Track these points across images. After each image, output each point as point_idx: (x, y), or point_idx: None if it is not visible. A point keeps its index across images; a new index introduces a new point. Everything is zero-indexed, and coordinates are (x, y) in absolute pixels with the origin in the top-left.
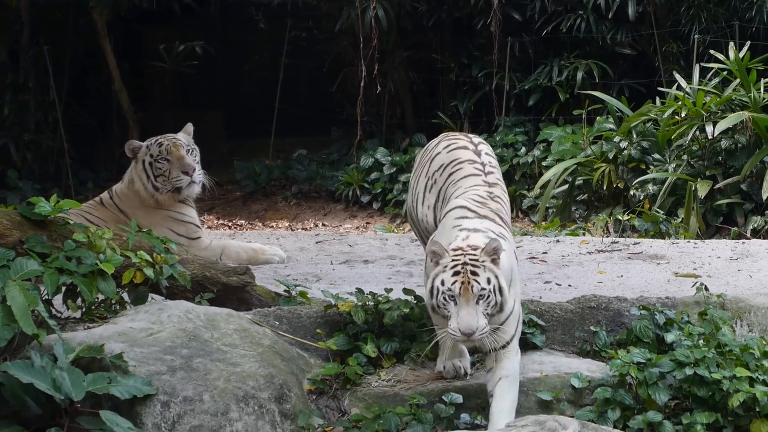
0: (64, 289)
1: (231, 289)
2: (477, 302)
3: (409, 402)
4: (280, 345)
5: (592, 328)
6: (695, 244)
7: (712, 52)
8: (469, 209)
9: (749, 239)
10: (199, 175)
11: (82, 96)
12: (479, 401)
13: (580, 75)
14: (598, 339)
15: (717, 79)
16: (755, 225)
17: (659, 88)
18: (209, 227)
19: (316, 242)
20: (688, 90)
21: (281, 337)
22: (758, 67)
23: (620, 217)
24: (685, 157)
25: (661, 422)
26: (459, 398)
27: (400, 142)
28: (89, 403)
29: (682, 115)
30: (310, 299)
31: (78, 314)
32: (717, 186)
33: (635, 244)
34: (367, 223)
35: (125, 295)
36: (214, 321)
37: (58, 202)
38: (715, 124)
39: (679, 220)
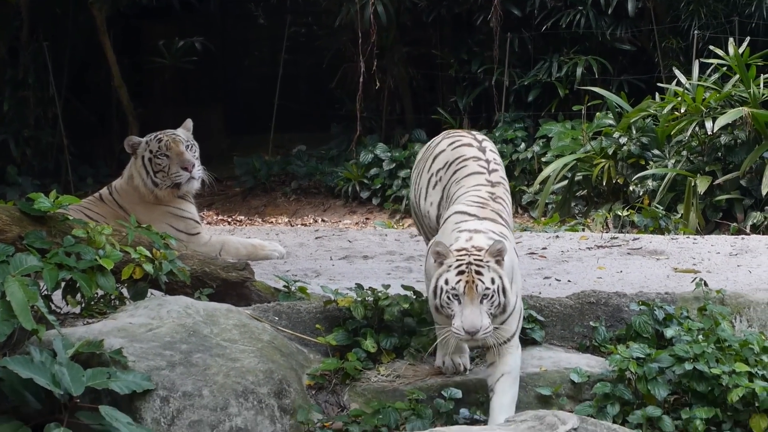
0: (63, 284)
1: (230, 285)
2: (481, 302)
3: (409, 397)
4: (280, 340)
5: (591, 323)
6: (695, 239)
7: (711, 47)
8: (469, 213)
9: (749, 235)
10: (198, 170)
11: (82, 92)
12: (478, 396)
13: (579, 71)
14: (597, 334)
15: (716, 75)
16: (755, 221)
17: (659, 84)
18: (209, 223)
19: (316, 238)
20: (687, 86)
21: (280, 333)
22: (758, 62)
23: (620, 213)
24: (684, 152)
25: (661, 417)
26: (458, 393)
27: (400, 138)
28: (89, 399)
29: (682, 110)
30: (310, 295)
31: (77, 310)
32: (716, 182)
33: (635, 239)
34: (367, 218)
35: (124, 291)
36: (213, 316)
37: (58, 198)
38: (714, 119)
39: (679, 215)
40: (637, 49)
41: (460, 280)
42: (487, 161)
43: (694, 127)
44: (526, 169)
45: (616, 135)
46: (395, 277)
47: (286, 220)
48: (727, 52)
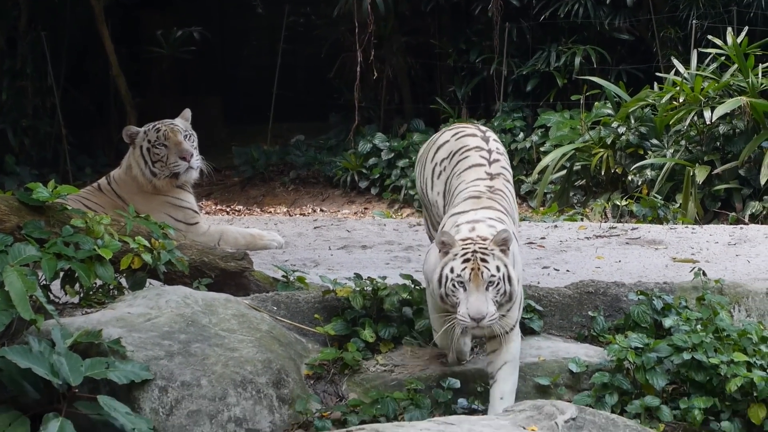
0: (62, 274)
1: (229, 275)
2: (486, 289)
3: (407, 387)
4: (278, 330)
5: (590, 313)
6: (693, 229)
7: (710, 37)
8: (465, 211)
9: (747, 224)
10: (196, 160)
11: (80, 81)
12: (477, 386)
13: (578, 60)
14: (595, 324)
15: (715, 65)
16: (753, 210)
17: (657, 74)
18: (207, 213)
19: (314, 228)
20: (686, 75)
21: (279, 323)
22: (756, 52)
23: (618, 203)
24: (683, 142)
25: (659, 407)
26: (457, 383)
27: (398, 128)
28: (87, 388)
29: (680, 100)
30: (308, 284)
31: (76, 299)
32: (715, 171)
33: (633, 229)
34: (365, 208)
35: (123, 281)
36: (212, 306)
37: (56, 188)
38: (713, 109)
39: (677, 205)
40: (635, 38)
41: (465, 267)
42: (489, 151)
43: (693, 116)
44: (525, 159)
45: (614, 125)
46: (394, 267)
47: (285, 209)
48: (725, 41)
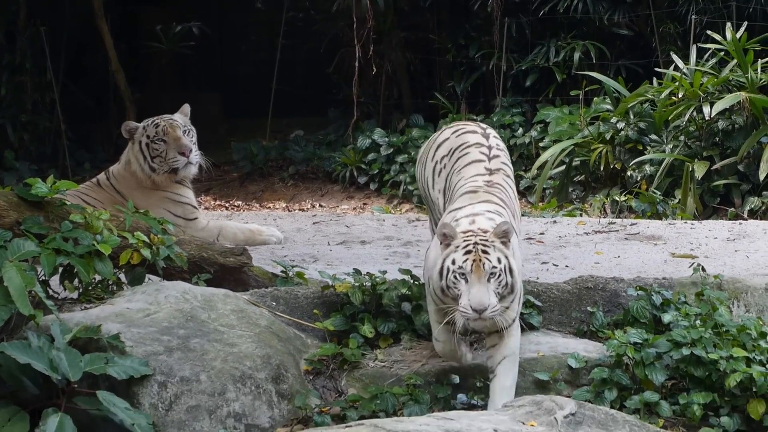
0: (61, 269)
1: (228, 270)
2: (488, 280)
3: (406, 382)
4: (277, 325)
5: (589, 308)
6: (692, 224)
7: (709, 32)
8: (463, 206)
9: (746, 220)
10: (195, 155)
11: (79, 77)
12: (476, 381)
13: (577, 56)
14: (595, 319)
15: (714, 60)
16: (752, 206)
17: (656, 69)
18: (206, 208)
19: (313, 223)
20: (685, 71)
21: (278, 318)
22: (755, 47)
23: (617, 198)
24: (682, 137)
25: (658, 402)
26: (456, 378)
27: (397, 123)
28: (86, 384)
29: (680, 95)
30: (307, 280)
31: (75, 295)
32: (714, 167)
33: (632, 224)
34: (364, 203)
35: (122, 276)
36: (211, 301)
37: (55, 183)
38: (712, 104)
39: (676, 200)
40: (634, 33)
41: (467, 259)
42: (489, 147)
43: (692, 112)
44: (524, 154)
45: (613, 120)
46: (393, 262)
47: (284, 205)
48: (724, 36)
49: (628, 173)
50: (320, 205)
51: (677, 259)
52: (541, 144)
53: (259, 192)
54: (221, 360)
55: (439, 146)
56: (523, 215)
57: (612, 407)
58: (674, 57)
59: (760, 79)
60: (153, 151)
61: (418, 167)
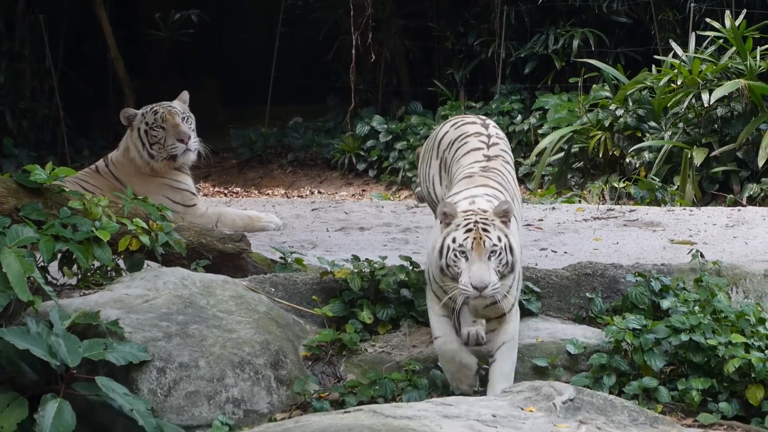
0: (59, 256)
1: (227, 256)
2: (489, 258)
3: (405, 368)
4: (276, 311)
5: (587, 294)
6: (691, 211)
7: (708, 20)
8: (462, 190)
9: (745, 206)
10: (194, 142)
11: (78, 64)
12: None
13: (576, 43)
14: (593, 305)
15: (713, 47)
16: (751, 192)
17: (655, 56)
18: (205, 195)
19: (312, 209)
20: (684, 58)
21: (277, 304)
22: (754, 35)
23: (616, 185)
24: (681, 124)
25: (657, 388)
26: None
27: (396, 110)
28: (85, 370)
29: (678, 83)
30: (306, 266)
31: (74, 281)
32: (713, 153)
33: (631, 211)
34: (363, 190)
35: (121, 262)
36: (209, 288)
37: (54, 170)
38: (711, 92)
39: (675, 187)
40: (633, 21)
41: (467, 237)
42: (489, 136)
43: (691, 99)
44: (523, 141)
45: (612, 107)
46: (392, 249)
47: (283, 191)
48: (723, 24)
49: (627, 160)
50: (319, 192)
51: (676, 246)
52: (539, 131)
53: (258, 179)
54: (220, 346)
55: (440, 142)
56: (522, 202)
57: (611, 393)
58: (673, 44)
59: (759, 67)
60: (152, 138)
61: (422, 167)
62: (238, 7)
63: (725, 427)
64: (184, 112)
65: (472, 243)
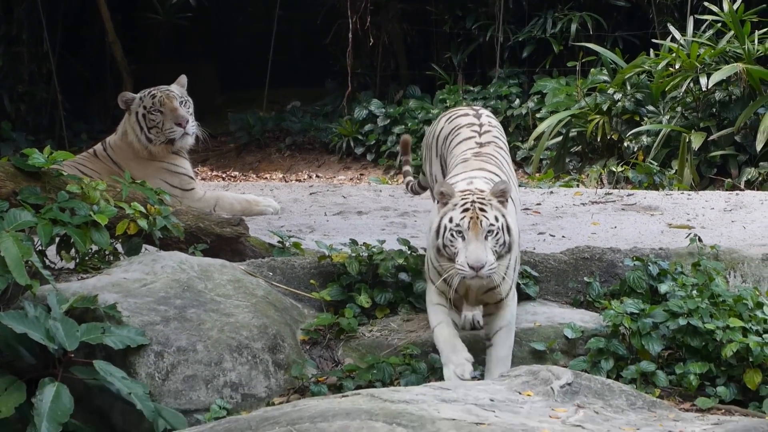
0: (57, 240)
1: (225, 240)
2: (486, 238)
3: (403, 352)
4: (274, 295)
5: (585, 278)
6: (689, 195)
7: (706, 4)
8: (457, 174)
9: (743, 191)
10: (192, 126)
11: (76, 48)
12: (472, 352)
13: (574, 27)
14: (591, 290)
15: (711, 31)
16: (749, 176)
17: (653, 40)
18: (203, 179)
19: (310, 194)
20: (682, 42)
21: (275, 288)
22: (752, 19)
23: (614, 169)
24: (679, 108)
25: (654, 372)
26: None
27: (394, 94)
28: (83, 353)
29: (676, 67)
30: (304, 250)
31: (71, 265)
32: (711, 138)
33: (629, 195)
34: (361, 174)
35: (119, 246)
36: (207, 272)
37: (52, 154)
38: (709, 75)
39: (673, 171)
40: (631, 5)
41: (464, 216)
42: (481, 125)
43: (689, 83)
44: (521, 125)
45: (610, 91)
46: (390, 233)
47: (281, 175)
48: (721, 8)
49: (625, 144)
50: (317, 176)
51: (674, 230)
52: (537, 115)
53: (256, 163)
54: (218, 330)
55: (437, 137)
56: (519, 186)
57: (608, 377)
58: (671, 28)
59: (757, 51)
60: (150, 122)
61: (425, 165)
62: None
63: (723, 411)
64: (182, 96)
65: (469, 222)
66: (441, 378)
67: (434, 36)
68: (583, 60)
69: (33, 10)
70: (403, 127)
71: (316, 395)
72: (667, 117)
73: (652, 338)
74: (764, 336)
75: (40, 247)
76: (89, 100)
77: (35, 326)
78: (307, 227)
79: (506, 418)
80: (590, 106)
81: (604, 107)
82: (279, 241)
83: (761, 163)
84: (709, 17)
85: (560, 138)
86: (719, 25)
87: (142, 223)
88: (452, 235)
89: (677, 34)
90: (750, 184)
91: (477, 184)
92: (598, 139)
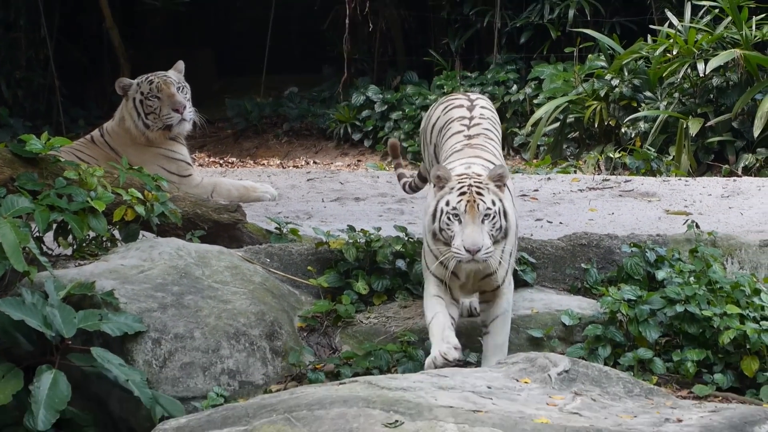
0: (55, 226)
1: (222, 227)
2: (482, 222)
3: (400, 339)
4: (271, 282)
5: (583, 265)
6: (686, 181)
7: None
8: (454, 161)
9: (740, 177)
10: (189, 112)
11: (74, 33)
12: (470, 339)
13: (571, 13)
14: (589, 276)
15: (709, 17)
16: (746, 162)
17: (651, 26)
18: (200, 165)
19: (308, 180)
20: (679, 28)
21: (272, 275)
22: (750, 4)
23: (611, 155)
24: (676, 94)
25: (652, 359)
26: None
27: (392, 80)
28: (80, 340)
29: (674, 52)
30: (301, 236)
31: (69, 251)
32: (708, 124)
33: (626, 181)
34: (359, 160)
35: (116, 233)
36: (205, 258)
37: (50, 140)
38: (706, 61)
39: (671, 157)
40: None
41: (461, 200)
42: (471, 118)
43: (686, 69)
44: (518, 111)
45: (608, 77)
46: (387, 219)
47: (278, 162)
48: None
49: (623, 130)
50: (314, 162)
51: (671, 216)
52: (535, 101)
53: (254, 149)
54: (215, 317)
55: (432, 128)
56: (517, 172)
57: (606, 364)
58: (669, 14)
59: (755, 36)
60: (147, 107)
61: (424, 152)
62: None
63: (720, 398)
64: (180, 82)
65: (466, 206)
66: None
67: (432, 22)
68: (581, 46)
69: None
70: (401, 113)
71: (313, 382)
72: (665, 103)
73: (649, 325)
74: (761, 323)
75: (37, 234)
76: (87, 86)
77: (32, 313)
78: (304, 213)
79: (503, 405)
80: (587, 92)
81: (602, 93)
82: (276, 228)
83: (759, 149)
84: (707, 3)
85: (557, 124)
86: (717, 10)
87: (140, 209)
88: (449, 218)
89: (675, 20)
90: (747, 170)
91: (475, 169)
92: (596, 125)
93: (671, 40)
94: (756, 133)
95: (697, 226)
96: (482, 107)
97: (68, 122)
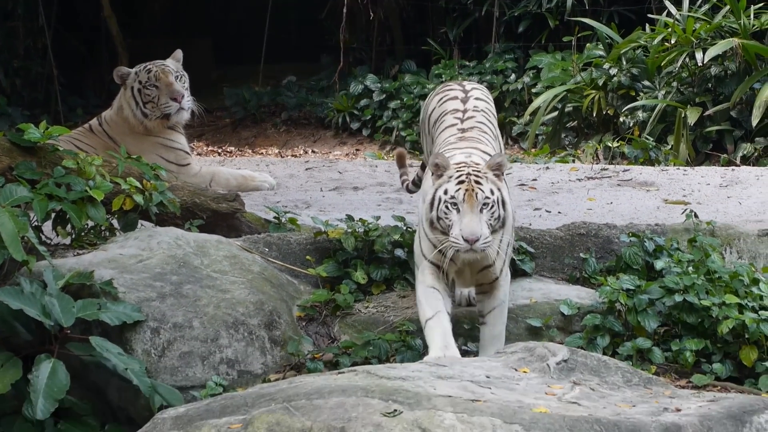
0: (53, 215)
1: (221, 216)
2: (481, 211)
3: (399, 329)
4: (270, 272)
5: (581, 255)
6: (685, 171)
7: None
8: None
9: (739, 166)
10: (188, 101)
11: (72, 22)
12: (468, 328)
13: (569, 2)
14: (587, 266)
15: (707, 6)
16: (745, 152)
17: (649, 15)
18: (199, 154)
19: (306, 169)
20: (678, 17)
21: (271, 264)
22: None
23: (610, 144)
24: (674, 83)
25: (650, 349)
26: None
27: (390, 69)
28: (79, 330)
29: (672, 42)
30: (300, 226)
31: (67, 241)
32: (707, 113)
33: (625, 171)
34: (357, 149)
35: (115, 222)
36: (203, 247)
37: (48, 129)
38: (704, 50)
39: (669, 147)
40: None
41: (459, 189)
42: (465, 111)
43: (685, 58)
44: (516, 101)
45: (606, 66)
46: (385, 209)
47: (276, 151)
48: None
49: (621, 119)
50: (313, 151)
51: (670, 206)
52: (533, 90)
53: (252, 138)
54: (214, 306)
55: (429, 118)
56: (515, 161)
57: (604, 354)
58: (667, 3)
59: (753, 26)
60: (145, 96)
61: (422, 138)
62: None
63: (719, 388)
64: (178, 71)
65: (464, 195)
66: None
67: (430, 10)
68: (579, 35)
69: None
70: (399, 102)
71: (312, 372)
72: (663, 92)
73: (648, 315)
74: (760, 312)
75: (36, 223)
76: (85, 75)
77: (31, 302)
78: (303, 203)
79: (502, 395)
80: (586, 81)
81: (600, 82)
82: (275, 217)
83: (757, 139)
84: None
85: (556, 113)
86: (715, 0)
87: (138, 198)
88: (447, 207)
89: (673, 9)
90: (746, 160)
91: (473, 158)
92: (594, 115)
93: (669, 29)
94: (754, 122)
95: (696, 216)
96: (476, 98)
97: (66, 111)
